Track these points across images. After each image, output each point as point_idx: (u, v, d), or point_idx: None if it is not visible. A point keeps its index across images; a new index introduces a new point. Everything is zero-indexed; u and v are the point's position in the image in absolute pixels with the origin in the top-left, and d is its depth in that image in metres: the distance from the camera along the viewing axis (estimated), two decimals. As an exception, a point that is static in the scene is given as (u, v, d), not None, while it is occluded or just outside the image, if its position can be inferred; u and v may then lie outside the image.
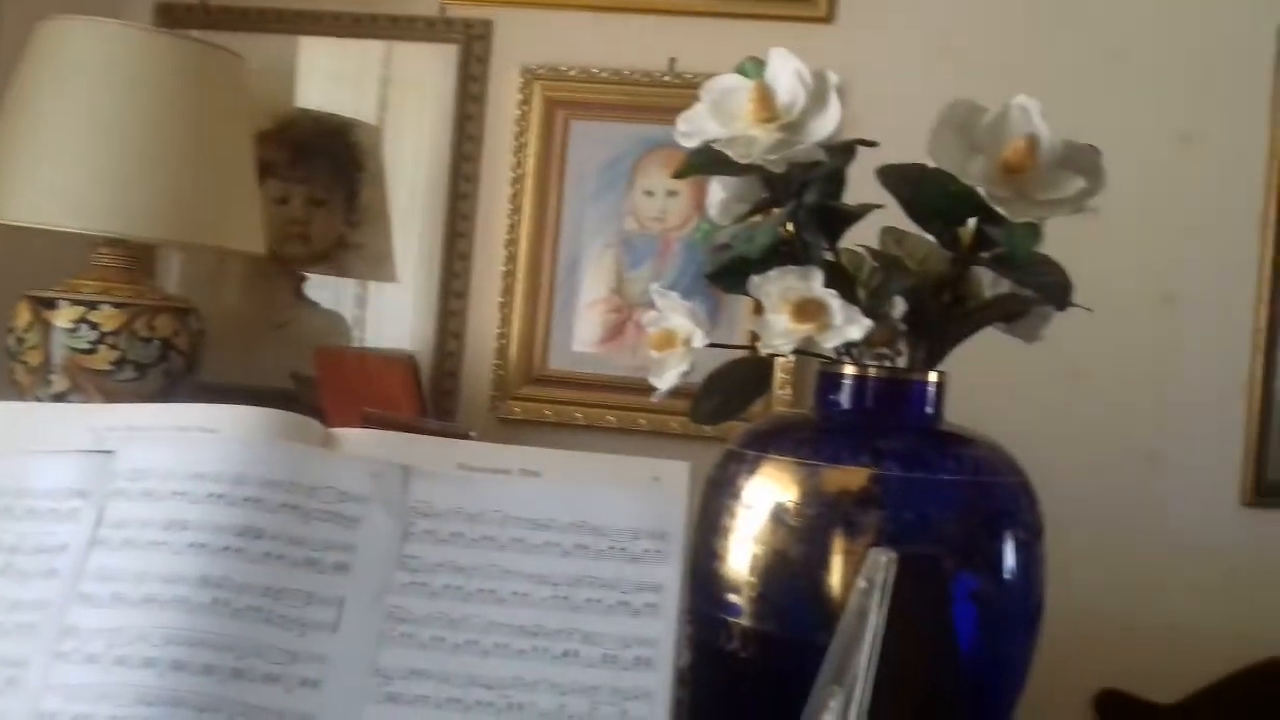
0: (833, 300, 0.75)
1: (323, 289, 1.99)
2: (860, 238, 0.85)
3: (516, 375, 1.88)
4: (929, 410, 0.83)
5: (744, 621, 0.78)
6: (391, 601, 0.65)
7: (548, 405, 1.88)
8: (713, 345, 0.81)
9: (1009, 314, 0.83)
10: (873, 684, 0.57)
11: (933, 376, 0.83)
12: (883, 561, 0.59)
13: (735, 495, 0.80)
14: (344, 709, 0.62)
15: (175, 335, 1.53)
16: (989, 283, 0.86)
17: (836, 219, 0.80)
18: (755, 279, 0.77)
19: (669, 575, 0.67)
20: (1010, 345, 1.84)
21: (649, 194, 1.89)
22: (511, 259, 1.88)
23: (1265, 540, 1.94)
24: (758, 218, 0.81)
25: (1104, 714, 1.94)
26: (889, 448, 0.78)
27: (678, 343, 0.81)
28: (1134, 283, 1.96)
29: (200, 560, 0.63)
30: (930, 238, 0.83)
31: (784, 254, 0.80)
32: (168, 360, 1.51)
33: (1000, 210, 0.71)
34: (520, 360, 1.88)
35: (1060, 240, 0.79)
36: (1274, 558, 1.94)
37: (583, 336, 1.89)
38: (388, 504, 0.67)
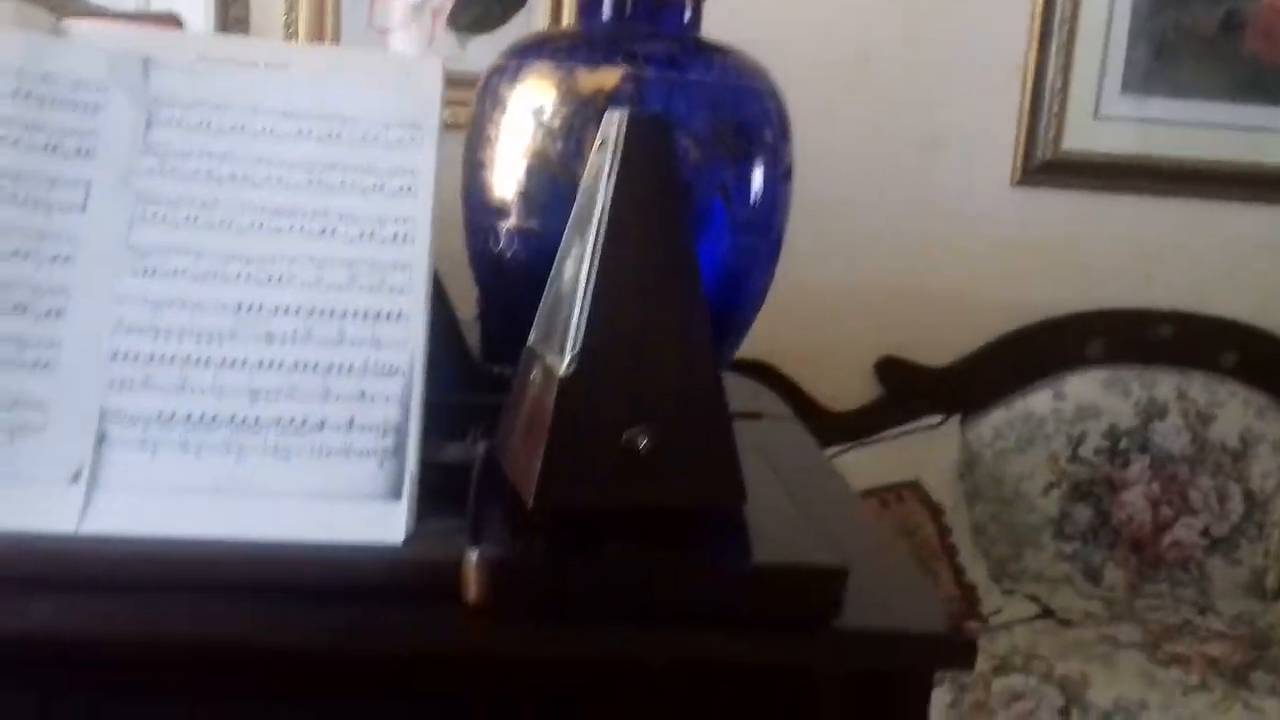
0: (583, -105, 0.75)
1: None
2: None
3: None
4: (687, 22, 0.85)
5: (511, 223, 0.81)
6: (141, 185, 0.65)
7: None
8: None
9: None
10: (607, 230, 0.61)
11: (690, -11, 0.84)
12: (615, 119, 0.63)
13: (498, 105, 0.82)
14: (99, 282, 0.63)
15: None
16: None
17: None
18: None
19: (424, 160, 0.69)
20: (800, 28, 1.87)
21: None
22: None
23: (1031, 217, 2.11)
24: None
25: (884, 378, 2.12)
26: (644, 51, 0.80)
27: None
28: (919, -31, 2.00)
29: (-73, 141, 0.61)
30: None
31: None
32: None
33: None
34: (309, 52, 1.80)
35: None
36: (1038, 233, 2.11)
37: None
38: (128, 92, 0.66)
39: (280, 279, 0.65)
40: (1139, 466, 2.08)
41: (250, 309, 0.64)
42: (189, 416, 0.62)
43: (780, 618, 0.59)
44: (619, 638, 0.58)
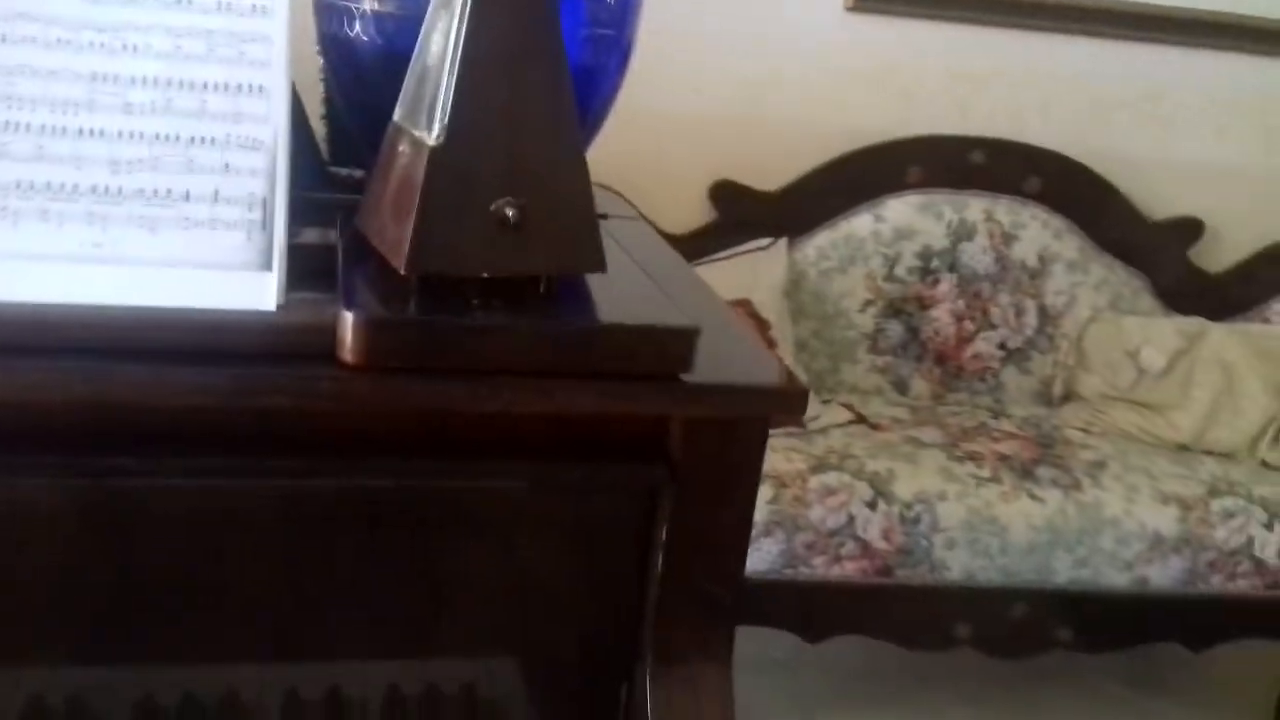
0: None
1: None
2: None
3: None
4: None
5: (366, 6, 0.81)
6: (-22, -57, 0.62)
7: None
8: None
9: None
10: (474, 1, 0.63)
11: None
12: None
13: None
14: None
15: None
16: None
17: None
18: None
19: (279, -70, 0.68)
20: None
21: None
22: None
23: (862, 43, 2.17)
24: None
25: (718, 202, 2.19)
26: None
27: None
28: None
29: None
30: None
31: None
32: None
33: None
34: None
35: None
36: (867, 60, 2.18)
37: None
38: None
39: (136, 48, 0.64)
40: (947, 284, 2.23)
41: (106, 79, 0.64)
42: (49, 185, 0.62)
43: (636, 372, 0.64)
44: (487, 390, 0.62)
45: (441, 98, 0.63)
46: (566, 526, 0.69)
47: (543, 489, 0.68)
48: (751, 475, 0.69)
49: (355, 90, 0.87)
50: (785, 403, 0.67)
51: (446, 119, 0.62)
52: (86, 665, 0.66)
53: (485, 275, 0.65)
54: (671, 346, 0.65)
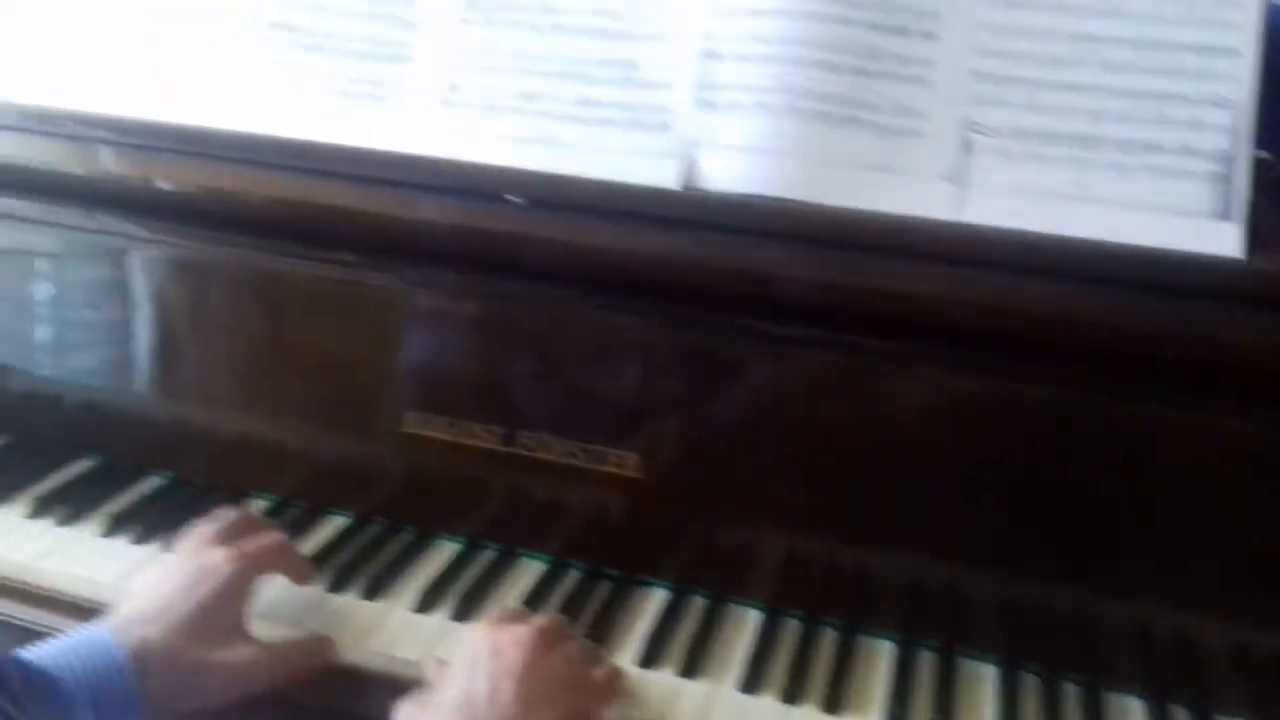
0: None
1: None
2: None
3: None
4: None
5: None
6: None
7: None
8: None
9: None
10: None
11: None
12: None
13: None
14: (964, 7, 0.71)
15: None
16: None
17: None
18: None
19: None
20: None
21: None
22: None
23: None
24: None
25: None
26: None
27: None
28: None
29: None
30: None
31: None
32: None
33: None
34: None
35: None
36: None
37: None
38: None
39: (1115, 11, 0.70)
40: None
41: (1088, 38, 0.70)
42: (1038, 131, 0.70)
43: None
44: None
45: None
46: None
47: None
48: None
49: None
50: None
51: None
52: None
53: None
54: None
